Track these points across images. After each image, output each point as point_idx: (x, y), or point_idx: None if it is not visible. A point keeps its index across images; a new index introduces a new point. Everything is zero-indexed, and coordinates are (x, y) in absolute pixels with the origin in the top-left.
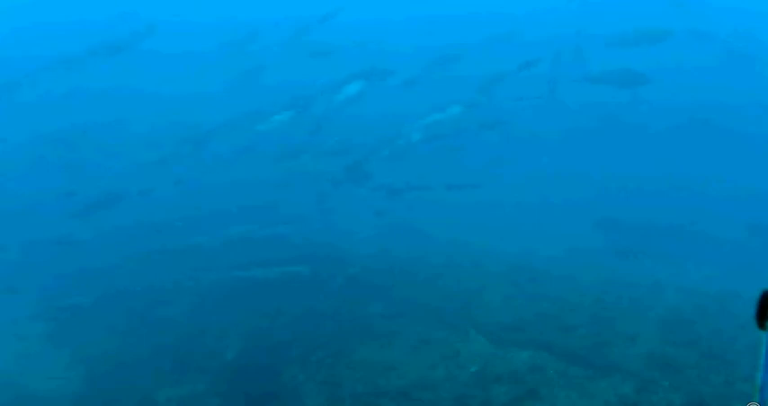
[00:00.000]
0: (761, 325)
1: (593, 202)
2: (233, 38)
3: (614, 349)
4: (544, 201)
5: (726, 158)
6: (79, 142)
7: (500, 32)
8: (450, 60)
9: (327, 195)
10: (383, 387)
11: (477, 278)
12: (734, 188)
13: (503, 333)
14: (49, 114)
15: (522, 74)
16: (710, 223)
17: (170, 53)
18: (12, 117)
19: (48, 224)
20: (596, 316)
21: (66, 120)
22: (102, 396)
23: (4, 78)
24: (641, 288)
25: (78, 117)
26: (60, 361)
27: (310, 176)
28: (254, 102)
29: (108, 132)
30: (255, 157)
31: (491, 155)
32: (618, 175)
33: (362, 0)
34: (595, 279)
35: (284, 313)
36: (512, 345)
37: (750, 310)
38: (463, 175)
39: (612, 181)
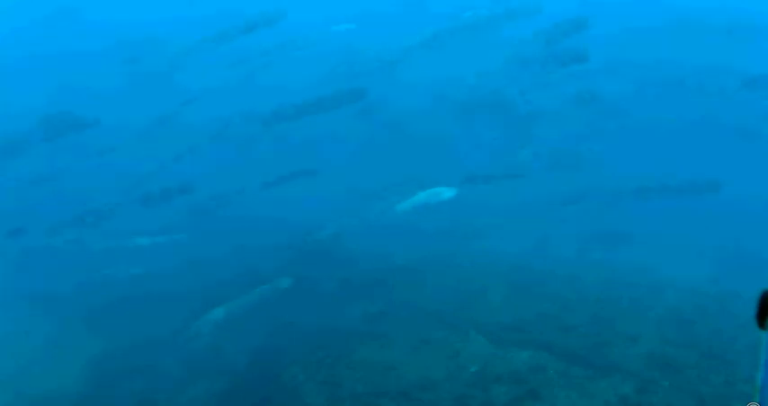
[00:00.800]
0: (761, 325)
1: (593, 200)
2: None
3: (614, 349)
4: (544, 200)
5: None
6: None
7: None
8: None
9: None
10: (383, 387)
11: (477, 278)
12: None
13: (503, 333)
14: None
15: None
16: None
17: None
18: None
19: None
20: (596, 316)
21: None
22: (103, 398)
23: None
24: (641, 288)
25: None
26: (62, 362)
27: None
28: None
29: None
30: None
31: (492, 154)
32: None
33: None
34: (595, 279)
35: (284, 314)
36: (512, 345)
37: (750, 310)
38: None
39: (612, 180)
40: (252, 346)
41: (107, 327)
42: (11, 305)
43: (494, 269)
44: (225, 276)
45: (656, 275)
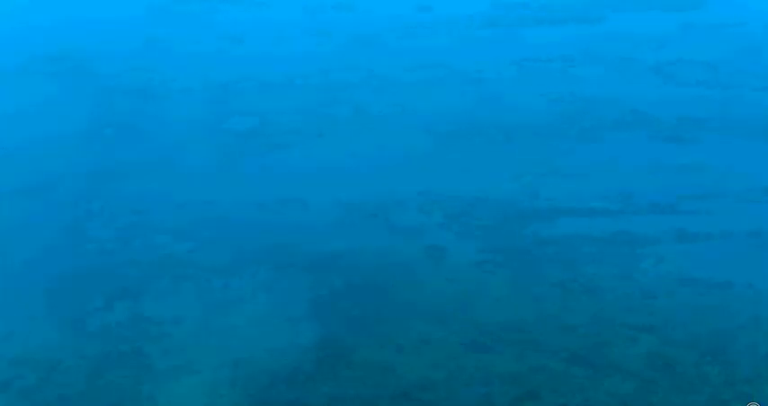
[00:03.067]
0: None
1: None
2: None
3: (614, 349)
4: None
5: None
6: None
7: None
8: None
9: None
10: (383, 387)
11: (476, 278)
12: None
13: (503, 333)
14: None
15: None
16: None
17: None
18: None
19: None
20: (596, 316)
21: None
22: None
23: None
24: (642, 288)
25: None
26: None
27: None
28: None
29: None
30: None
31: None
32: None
33: None
34: (595, 279)
35: (284, 314)
36: (512, 345)
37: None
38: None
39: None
40: (252, 346)
41: None
42: None
43: (493, 268)
44: (226, 279)
45: (656, 274)
